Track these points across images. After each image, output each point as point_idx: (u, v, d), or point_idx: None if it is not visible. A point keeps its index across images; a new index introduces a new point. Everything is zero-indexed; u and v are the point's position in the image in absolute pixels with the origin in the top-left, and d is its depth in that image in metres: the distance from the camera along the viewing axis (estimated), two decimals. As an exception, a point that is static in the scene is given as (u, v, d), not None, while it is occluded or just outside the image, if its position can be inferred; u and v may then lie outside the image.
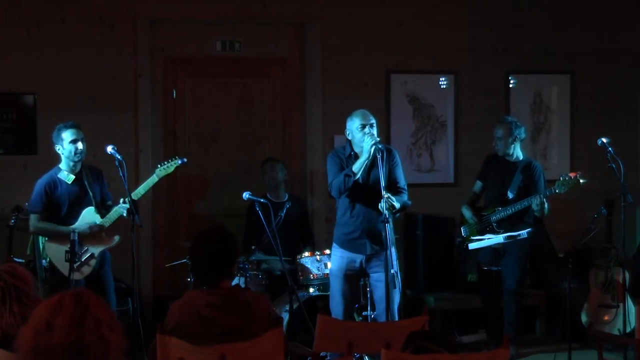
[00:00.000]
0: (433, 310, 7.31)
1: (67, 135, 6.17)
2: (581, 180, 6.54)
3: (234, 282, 6.18)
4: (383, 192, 5.67)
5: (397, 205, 5.77)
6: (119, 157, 6.02)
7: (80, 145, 6.16)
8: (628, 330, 6.57)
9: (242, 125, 8.01)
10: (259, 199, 6.24)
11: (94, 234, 6.17)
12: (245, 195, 6.29)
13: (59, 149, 6.23)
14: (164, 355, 3.87)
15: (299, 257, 6.75)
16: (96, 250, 6.17)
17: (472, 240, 6.86)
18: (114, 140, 6.32)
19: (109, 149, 6.09)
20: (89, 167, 6.33)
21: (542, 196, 6.61)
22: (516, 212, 6.80)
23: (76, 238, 5.90)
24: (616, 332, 6.87)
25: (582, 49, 8.45)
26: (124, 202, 6.12)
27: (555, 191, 6.63)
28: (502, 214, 6.84)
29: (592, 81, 8.52)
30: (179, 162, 6.32)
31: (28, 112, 7.47)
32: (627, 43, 8.53)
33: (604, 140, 6.57)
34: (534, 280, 7.95)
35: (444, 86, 8.30)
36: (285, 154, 7.99)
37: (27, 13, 7.40)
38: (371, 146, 5.83)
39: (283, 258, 6.08)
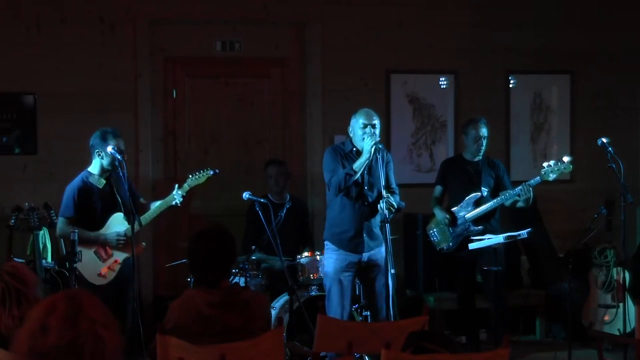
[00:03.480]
0: (433, 310, 7.31)
1: (114, 142, 6.07)
2: (570, 165, 6.53)
3: (234, 282, 6.19)
4: (383, 192, 5.69)
5: (395, 205, 5.80)
6: (119, 157, 6.00)
7: (120, 157, 6.02)
8: (628, 330, 6.57)
9: (242, 125, 8.01)
10: (259, 199, 6.24)
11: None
12: (245, 195, 6.29)
13: (98, 154, 6.10)
14: (163, 355, 3.87)
15: (299, 257, 6.75)
16: (121, 256, 6.13)
17: (450, 242, 6.87)
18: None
19: (109, 149, 6.07)
20: (115, 173, 6.23)
21: (528, 186, 6.57)
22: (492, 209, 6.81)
23: (76, 238, 5.88)
24: (616, 332, 6.87)
25: (582, 49, 8.45)
26: (178, 190, 6.17)
27: (540, 179, 6.58)
28: (480, 211, 6.78)
29: (592, 81, 8.52)
30: (211, 172, 6.30)
31: (28, 112, 7.47)
32: (627, 43, 8.53)
33: (604, 140, 6.56)
34: (534, 280, 7.95)
35: (444, 86, 8.30)
36: (285, 154, 7.99)
37: (27, 13, 7.40)
38: (371, 146, 5.83)
39: (283, 258, 6.08)
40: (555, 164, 6.54)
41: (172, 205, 6.28)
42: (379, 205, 5.74)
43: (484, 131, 6.93)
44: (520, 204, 6.68)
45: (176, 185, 6.27)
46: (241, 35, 7.91)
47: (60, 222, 6.21)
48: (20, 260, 6.43)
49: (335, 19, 7.94)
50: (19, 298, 3.61)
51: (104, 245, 6.11)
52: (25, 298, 3.62)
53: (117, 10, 7.55)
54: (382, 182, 5.73)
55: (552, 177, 6.56)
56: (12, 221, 6.72)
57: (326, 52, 7.95)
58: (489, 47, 8.25)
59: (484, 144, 6.95)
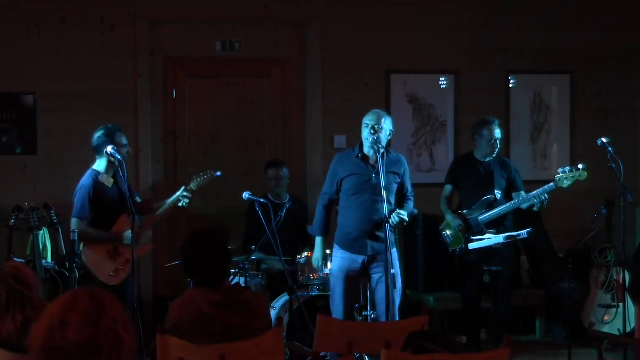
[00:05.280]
0: (433, 310, 7.30)
1: (123, 140, 6.16)
2: (586, 173, 6.51)
3: (234, 282, 6.19)
4: (383, 193, 5.70)
5: (407, 219, 5.92)
6: (119, 157, 6.02)
7: (129, 150, 6.18)
8: (628, 330, 6.57)
9: (242, 125, 8.01)
10: (259, 199, 6.24)
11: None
12: (245, 195, 6.29)
13: (109, 151, 6.11)
14: (163, 355, 3.87)
15: (299, 257, 6.75)
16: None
17: (463, 244, 6.86)
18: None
19: (109, 149, 6.08)
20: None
21: (543, 192, 6.55)
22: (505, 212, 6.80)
23: (76, 238, 5.90)
24: (616, 332, 6.87)
25: (582, 49, 8.45)
26: (185, 191, 6.24)
27: (555, 186, 6.57)
28: (494, 214, 6.78)
29: (592, 81, 8.52)
30: (216, 174, 6.37)
31: (28, 112, 7.47)
32: (627, 43, 8.53)
33: (604, 140, 6.55)
34: (534, 280, 7.94)
35: (444, 86, 8.30)
36: (285, 154, 7.99)
37: (27, 13, 7.40)
38: (370, 144, 5.89)
39: (283, 258, 6.08)
40: (570, 171, 6.50)
41: (179, 207, 6.32)
42: (391, 221, 5.77)
43: (497, 133, 6.89)
44: (535, 209, 6.67)
45: (183, 187, 6.31)
46: (241, 35, 7.91)
47: (74, 223, 6.18)
48: (20, 260, 6.43)
49: (335, 19, 7.94)
50: (23, 302, 3.59)
51: (115, 245, 6.13)
52: (29, 302, 3.60)
53: (117, 10, 7.55)
54: (383, 183, 5.73)
55: (566, 184, 6.53)
56: (12, 221, 6.72)
57: (326, 52, 7.95)
58: (489, 47, 8.25)
59: (498, 146, 6.92)
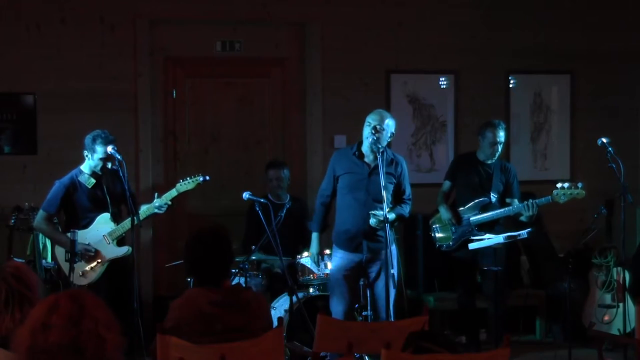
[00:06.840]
0: (433, 310, 7.31)
1: (100, 150, 6.09)
2: (583, 192, 6.52)
3: (234, 282, 6.19)
4: (383, 192, 5.70)
5: (381, 218, 5.82)
6: (119, 157, 6.01)
7: (109, 165, 6.10)
8: (628, 330, 6.58)
9: (242, 125, 8.01)
10: (259, 199, 6.24)
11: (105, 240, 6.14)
12: (245, 195, 6.29)
13: (86, 155, 6.16)
14: (164, 355, 3.87)
15: (298, 257, 6.75)
16: (104, 257, 6.15)
17: (451, 241, 6.87)
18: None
19: (109, 149, 6.08)
20: (109, 170, 6.25)
21: (535, 203, 6.55)
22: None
23: (76, 238, 5.89)
24: (616, 332, 6.88)
25: (582, 49, 8.45)
26: (157, 198, 6.16)
27: (551, 199, 6.57)
28: (486, 217, 6.78)
29: (592, 81, 8.52)
30: (201, 179, 6.26)
31: (28, 112, 7.47)
32: (626, 43, 8.53)
33: (604, 140, 6.55)
34: (534, 280, 7.94)
35: (444, 86, 8.30)
36: (285, 154, 7.99)
37: (27, 13, 7.40)
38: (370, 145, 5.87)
39: (283, 258, 6.08)
40: (569, 188, 6.52)
41: (159, 212, 6.23)
42: (370, 221, 5.87)
43: (501, 136, 6.87)
44: (522, 219, 6.67)
45: (155, 194, 6.24)
46: (241, 35, 7.91)
47: (39, 215, 6.23)
48: (20, 260, 6.44)
49: (335, 19, 7.94)
50: (22, 302, 3.60)
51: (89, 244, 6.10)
52: (28, 301, 3.61)
53: (117, 10, 7.55)
54: (383, 182, 5.73)
55: (563, 200, 6.54)
56: (12, 221, 6.73)
57: (326, 52, 7.95)
58: (489, 47, 8.25)
59: (500, 149, 6.91)
